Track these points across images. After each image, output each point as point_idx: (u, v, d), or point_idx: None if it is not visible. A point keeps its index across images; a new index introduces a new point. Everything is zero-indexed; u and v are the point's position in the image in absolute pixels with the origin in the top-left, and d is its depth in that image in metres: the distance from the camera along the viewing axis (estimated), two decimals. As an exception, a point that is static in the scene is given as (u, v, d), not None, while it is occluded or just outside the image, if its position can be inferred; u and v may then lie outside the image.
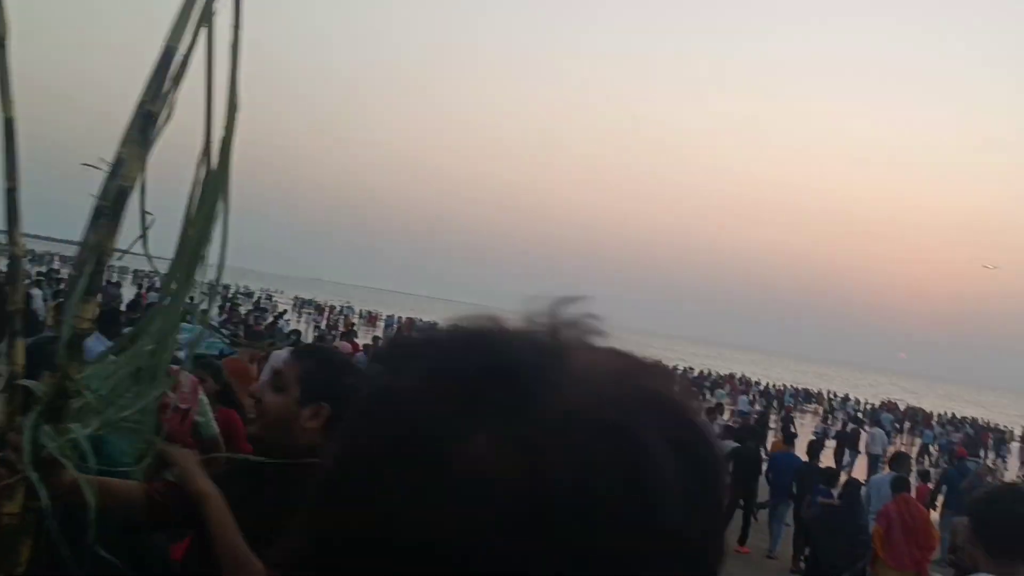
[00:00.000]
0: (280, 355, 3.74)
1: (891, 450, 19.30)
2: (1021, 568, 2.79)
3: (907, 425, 41.92)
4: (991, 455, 34.44)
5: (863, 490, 10.66)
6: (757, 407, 33.73)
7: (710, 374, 52.82)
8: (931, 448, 32.41)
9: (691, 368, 54.96)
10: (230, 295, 59.18)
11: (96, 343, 3.24)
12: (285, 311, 45.83)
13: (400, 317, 58.08)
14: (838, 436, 24.95)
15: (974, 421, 46.66)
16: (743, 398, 34.73)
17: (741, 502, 12.19)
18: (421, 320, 48.48)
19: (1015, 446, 40.85)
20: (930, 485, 14.01)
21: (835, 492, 10.25)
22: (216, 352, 7.49)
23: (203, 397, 4.36)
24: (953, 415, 48.21)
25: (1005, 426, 47.06)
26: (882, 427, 28.59)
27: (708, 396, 36.20)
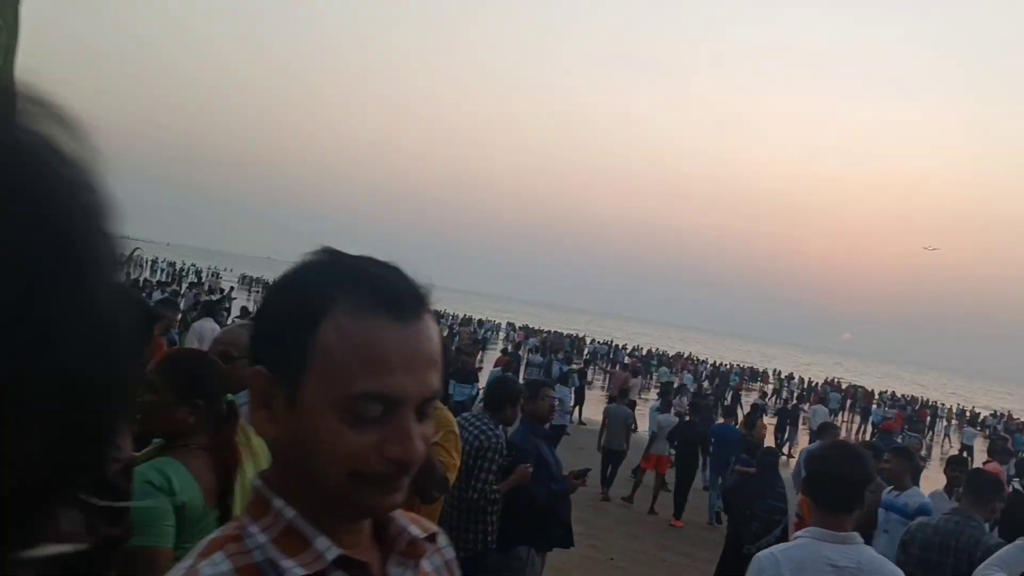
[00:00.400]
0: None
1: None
2: (847, 520, 2.84)
3: (848, 403, 42.91)
4: (929, 432, 35.79)
5: (793, 460, 10.69)
6: (704, 384, 33.98)
7: (661, 353, 53.29)
8: (879, 425, 33.22)
9: (639, 347, 55.45)
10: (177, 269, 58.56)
11: None
12: (232, 287, 45.33)
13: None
14: (779, 413, 25.23)
15: (913, 399, 48.03)
16: (688, 376, 34.96)
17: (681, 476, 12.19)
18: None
19: (954, 423, 42.29)
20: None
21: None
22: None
23: None
24: (893, 393, 49.61)
25: (942, 404, 48.48)
26: (828, 405, 29.10)
27: (652, 374, 36.44)
